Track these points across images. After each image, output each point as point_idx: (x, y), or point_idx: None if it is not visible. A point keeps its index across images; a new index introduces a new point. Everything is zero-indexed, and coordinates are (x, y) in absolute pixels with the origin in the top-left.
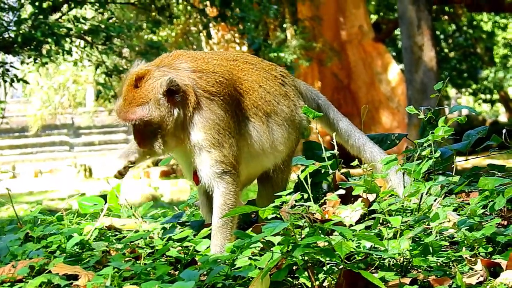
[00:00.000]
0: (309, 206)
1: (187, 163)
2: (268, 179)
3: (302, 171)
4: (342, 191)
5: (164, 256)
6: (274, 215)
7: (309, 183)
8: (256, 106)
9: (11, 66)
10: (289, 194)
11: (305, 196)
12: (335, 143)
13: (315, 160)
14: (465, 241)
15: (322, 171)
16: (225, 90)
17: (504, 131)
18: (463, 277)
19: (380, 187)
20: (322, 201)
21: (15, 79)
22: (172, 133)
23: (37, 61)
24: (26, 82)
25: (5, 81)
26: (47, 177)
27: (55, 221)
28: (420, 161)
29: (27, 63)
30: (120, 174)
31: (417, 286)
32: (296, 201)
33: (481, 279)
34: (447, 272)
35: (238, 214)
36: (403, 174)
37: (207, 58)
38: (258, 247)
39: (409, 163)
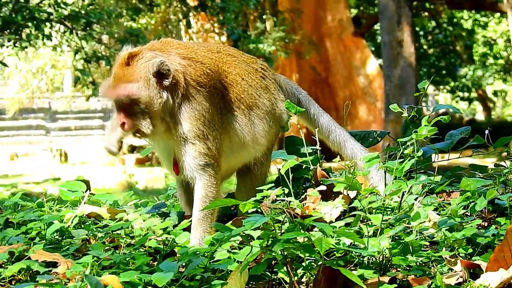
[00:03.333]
0: (289, 201)
1: (166, 153)
2: (247, 173)
3: (283, 166)
4: (323, 187)
5: (144, 246)
6: (254, 209)
7: (290, 178)
8: (239, 99)
9: None
10: (270, 188)
11: (286, 191)
12: (317, 139)
13: (296, 155)
14: (445, 241)
15: (303, 167)
16: (211, 82)
17: (486, 131)
18: (443, 278)
19: (361, 184)
20: (302, 196)
21: None
22: (160, 117)
23: (16, 44)
24: (4, 64)
25: None
26: (22, 160)
27: (36, 207)
28: (403, 159)
29: (7, 47)
30: (116, 149)
31: (396, 285)
32: (276, 196)
33: (461, 280)
34: (427, 272)
35: (218, 207)
36: (385, 172)
37: (195, 48)
38: (238, 240)
39: (391, 161)
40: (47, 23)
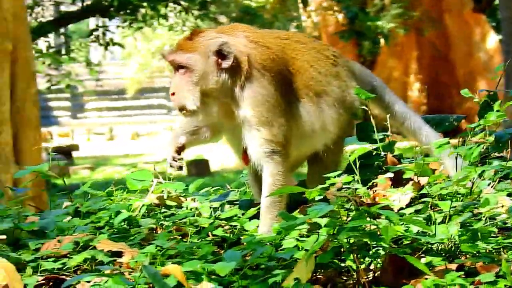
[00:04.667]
0: (356, 189)
1: (236, 142)
2: (318, 161)
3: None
4: (390, 174)
5: (211, 235)
6: (322, 197)
7: (358, 165)
8: (307, 86)
9: (107, 30)
10: (338, 176)
11: (356, 178)
12: (389, 125)
13: (368, 142)
14: None
15: (374, 153)
16: (276, 68)
17: None
18: None
19: (435, 170)
20: (372, 183)
21: (110, 42)
22: (214, 97)
23: (132, 25)
24: (121, 45)
25: (100, 45)
26: (144, 140)
27: (105, 196)
28: (473, 145)
29: (123, 27)
30: (177, 167)
31: (463, 273)
32: (345, 183)
33: None
34: (496, 259)
35: (285, 193)
36: (456, 158)
37: (262, 33)
38: (306, 228)
39: (461, 147)
40: (163, 3)
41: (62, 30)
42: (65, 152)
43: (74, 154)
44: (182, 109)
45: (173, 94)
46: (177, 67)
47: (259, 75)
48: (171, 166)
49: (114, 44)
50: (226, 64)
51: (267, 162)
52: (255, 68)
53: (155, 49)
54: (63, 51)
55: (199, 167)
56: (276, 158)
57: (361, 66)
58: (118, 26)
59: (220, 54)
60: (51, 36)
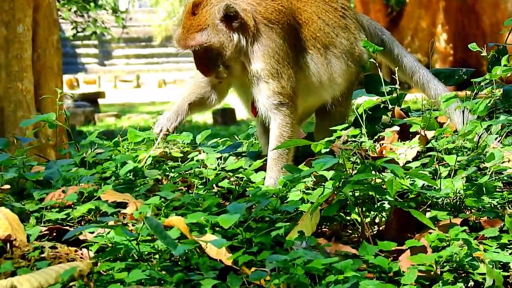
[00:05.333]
0: (362, 142)
1: (245, 95)
2: (326, 113)
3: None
4: (396, 128)
5: (217, 187)
6: (328, 150)
7: (364, 118)
8: (314, 37)
9: None
10: (345, 128)
11: (364, 131)
12: (397, 78)
13: (375, 95)
14: None
15: (381, 106)
16: (284, 19)
17: None
18: None
19: (442, 123)
20: (378, 136)
21: None
22: (234, 59)
23: None
24: None
25: None
26: (170, 87)
27: (112, 147)
28: (480, 99)
29: None
30: (162, 138)
31: (468, 227)
32: (352, 136)
33: None
34: (500, 214)
35: (292, 146)
36: (463, 112)
37: None
38: (311, 181)
39: (468, 101)
40: None
41: None
42: (92, 99)
43: (100, 101)
44: (216, 77)
45: (203, 72)
46: (196, 47)
47: (267, 29)
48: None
49: None
50: (236, 23)
51: (275, 114)
52: (261, 23)
53: None
54: None
55: (225, 116)
56: (284, 110)
57: (369, 19)
58: None
59: (227, 16)
60: None
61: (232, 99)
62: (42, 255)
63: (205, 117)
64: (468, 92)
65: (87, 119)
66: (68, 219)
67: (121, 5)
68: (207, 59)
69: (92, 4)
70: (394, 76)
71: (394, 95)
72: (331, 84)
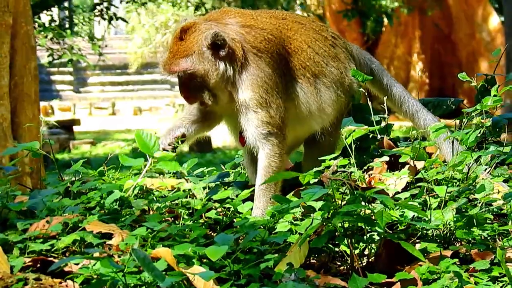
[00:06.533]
0: (351, 173)
1: (233, 123)
2: (315, 142)
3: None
4: (385, 158)
5: (204, 217)
6: (317, 180)
7: (354, 148)
8: (304, 66)
9: (111, 4)
10: (334, 158)
11: (352, 161)
12: (385, 108)
13: (364, 124)
14: None
15: (370, 136)
16: (273, 48)
17: None
18: (507, 252)
19: (431, 154)
20: (367, 166)
21: (114, 17)
22: (220, 87)
23: (136, 0)
24: (124, 20)
25: (104, 19)
26: (146, 115)
27: (97, 176)
28: (470, 130)
29: (127, 2)
30: (171, 149)
31: (458, 259)
32: (341, 166)
33: None
34: (491, 246)
35: (280, 179)
36: (452, 142)
37: (255, 15)
38: (300, 211)
39: (458, 132)
40: None
41: (65, 4)
42: (67, 127)
43: (76, 128)
44: (201, 104)
45: (186, 98)
46: (180, 73)
47: (256, 58)
48: (164, 150)
49: (117, 18)
50: (223, 52)
51: (264, 143)
52: (250, 52)
53: (159, 23)
54: (66, 25)
55: (201, 144)
56: (272, 139)
57: (358, 48)
58: (122, 1)
59: (215, 44)
60: (54, 10)
61: None
62: (26, 287)
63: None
64: (457, 122)
65: (62, 147)
66: (52, 250)
67: (97, 32)
68: (192, 86)
69: (68, 31)
70: (382, 106)
71: (383, 124)
72: (321, 114)
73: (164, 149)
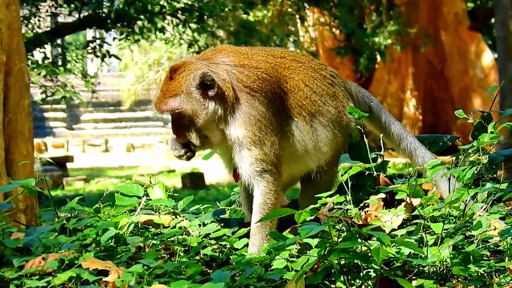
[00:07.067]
0: (347, 210)
1: (227, 159)
2: (311, 181)
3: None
4: (382, 195)
5: (200, 254)
6: (313, 217)
7: (350, 185)
8: (300, 105)
9: (104, 42)
10: (330, 196)
11: (348, 198)
12: (382, 145)
13: (360, 161)
14: (509, 251)
15: (366, 173)
16: (267, 87)
17: None
18: None
19: (427, 191)
20: (364, 204)
21: (107, 54)
22: (210, 128)
23: (129, 37)
24: (117, 57)
25: (97, 56)
26: (139, 152)
27: (92, 213)
28: (467, 167)
29: (119, 39)
30: (186, 158)
31: None
32: (337, 203)
33: None
34: (487, 283)
35: (276, 217)
36: (449, 179)
37: (251, 54)
38: (296, 248)
39: (454, 169)
40: (160, 16)
41: (58, 41)
42: (60, 163)
43: (69, 165)
44: (191, 144)
45: (177, 135)
46: (169, 112)
47: (249, 97)
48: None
49: (110, 56)
50: (211, 92)
51: (258, 181)
52: (243, 91)
53: (152, 61)
54: (59, 62)
55: (194, 180)
56: (267, 177)
57: (357, 86)
58: (114, 38)
59: (203, 85)
60: (47, 47)
61: (201, 163)
62: None
63: (173, 181)
64: (453, 159)
65: (56, 183)
66: (49, 287)
67: (90, 69)
68: (181, 125)
69: (61, 68)
70: (379, 143)
71: (379, 161)
72: (316, 153)
73: (180, 156)
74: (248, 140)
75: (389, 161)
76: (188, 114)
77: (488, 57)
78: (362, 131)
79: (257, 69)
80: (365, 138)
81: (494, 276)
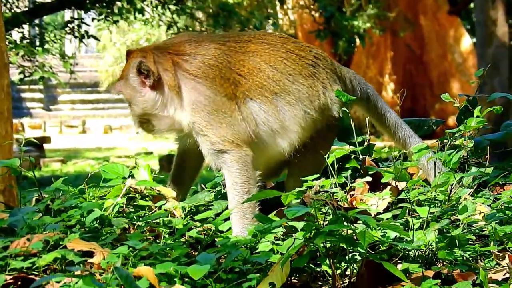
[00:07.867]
0: (333, 193)
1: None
2: (296, 163)
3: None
4: (368, 178)
5: (185, 236)
6: (299, 200)
7: (336, 168)
8: (261, 86)
9: (82, 22)
10: (316, 179)
11: (334, 181)
12: (368, 128)
13: (347, 144)
14: (494, 235)
15: (352, 157)
16: (215, 73)
17: None
18: (489, 273)
19: (413, 174)
20: (350, 187)
21: (85, 35)
22: (151, 115)
23: (108, 18)
24: (96, 38)
25: (75, 37)
26: (116, 133)
27: (77, 194)
28: (453, 151)
29: (98, 20)
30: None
31: (440, 280)
32: (322, 186)
33: (508, 275)
34: (473, 267)
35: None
36: (434, 163)
37: (200, 41)
38: (282, 231)
39: (440, 153)
40: None
41: (36, 21)
42: (37, 144)
43: (46, 146)
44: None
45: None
46: (118, 93)
47: (194, 84)
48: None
49: (89, 36)
50: (148, 82)
51: (222, 163)
52: (187, 78)
53: (130, 42)
54: (37, 43)
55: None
56: (229, 157)
57: (354, 73)
58: (93, 19)
59: (141, 73)
60: (26, 27)
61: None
62: None
63: (151, 163)
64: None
65: (33, 164)
66: (33, 268)
67: (67, 50)
68: (131, 109)
69: (40, 48)
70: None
71: (365, 145)
72: (286, 132)
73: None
74: (199, 126)
75: (375, 144)
76: (127, 98)
77: (466, 42)
78: (349, 115)
79: (204, 56)
80: (351, 122)
81: (479, 261)
